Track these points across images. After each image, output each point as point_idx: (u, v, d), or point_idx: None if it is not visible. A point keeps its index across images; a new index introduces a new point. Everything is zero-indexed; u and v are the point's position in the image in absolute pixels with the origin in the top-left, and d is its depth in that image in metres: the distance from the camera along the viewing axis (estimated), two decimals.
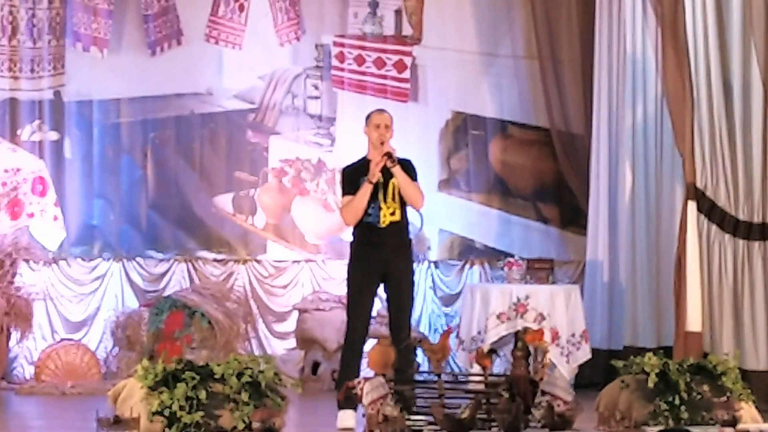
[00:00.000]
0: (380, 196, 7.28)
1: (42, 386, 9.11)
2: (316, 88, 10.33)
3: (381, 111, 7.49)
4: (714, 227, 8.63)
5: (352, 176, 7.37)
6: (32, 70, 9.88)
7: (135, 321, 9.50)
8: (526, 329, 7.00)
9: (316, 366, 9.50)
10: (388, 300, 7.37)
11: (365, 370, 7.30)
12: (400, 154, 7.32)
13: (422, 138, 10.25)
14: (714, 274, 8.60)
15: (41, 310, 9.61)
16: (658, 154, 9.40)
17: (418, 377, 7.29)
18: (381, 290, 7.38)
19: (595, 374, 9.09)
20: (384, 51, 10.36)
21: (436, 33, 10.38)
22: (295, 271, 10.17)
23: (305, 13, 10.30)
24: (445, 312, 10.22)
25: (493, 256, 10.23)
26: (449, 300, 10.24)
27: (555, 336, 8.73)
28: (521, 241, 10.31)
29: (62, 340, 9.62)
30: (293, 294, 10.10)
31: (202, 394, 5.75)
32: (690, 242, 8.43)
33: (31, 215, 9.59)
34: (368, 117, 7.43)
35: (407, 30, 10.40)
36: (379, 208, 7.28)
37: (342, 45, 10.33)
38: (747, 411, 6.74)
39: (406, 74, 10.34)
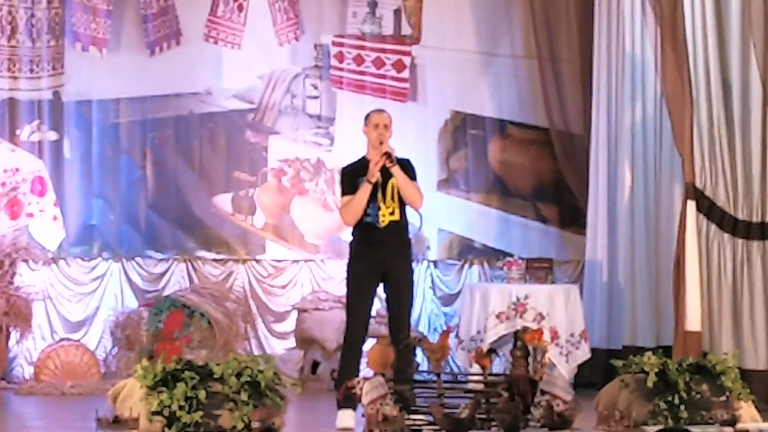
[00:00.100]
0: (379, 196, 7.28)
1: (41, 386, 9.11)
2: (315, 87, 10.33)
3: (380, 111, 7.49)
4: (713, 227, 8.63)
5: (351, 176, 7.37)
6: (31, 70, 9.88)
7: (134, 321, 9.50)
8: (525, 329, 7.02)
9: (315, 366, 9.50)
10: (387, 300, 7.37)
11: (365, 370, 7.30)
12: (399, 153, 7.32)
13: (421, 138, 10.25)
14: (713, 273, 8.60)
15: (41, 310, 9.61)
16: (658, 154, 9.40)
17: (417, 377, 7.29)
18: (380, 290, 7.38)
19: (594, 374, 9.09)
20: (383, 51, 10.36)
21: (435, 33, 10.38)
22: (295, 270, 10.17)
23: (304, 13, 10.31)
24: (445, 312, 10.22)
25: (493, 256, 10.23)
26: (448, 300, 10.24)
27: (554, 335, 8.73)
28: (520, 240, 10.31)
29: (62, 340, 9.62)
30: (292, 294, 10.10)
31: (202, 394, 5.76)
32: (689, 242, 8.43)
33: (31, 215, 9.60)
34: (367, 117, 7.43)
35: (406, 30, 10.40)
36: (379, 208, 7.28)
37: (341, 45, 10.33)
38: (746, 410, 6.74)
39: (405, 74, 10.34)
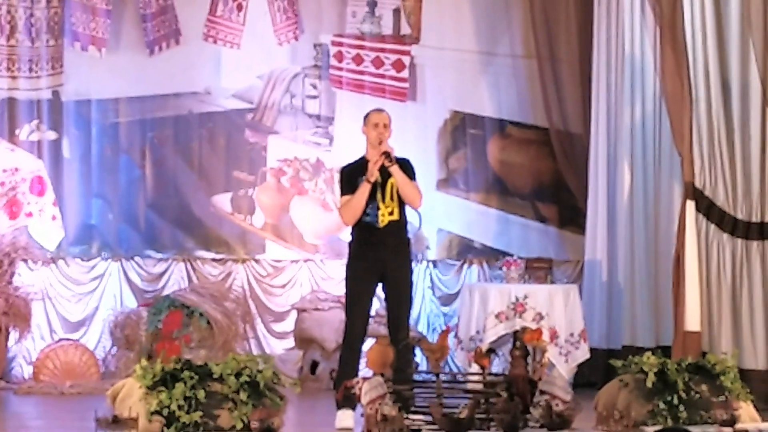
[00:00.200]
0: (378, 195, 7.27)
1: (41, 386, 9.11)
2: (315, 87, 10.33)
3: (379, 110, 7.49)
4: (712, 226, 8.63)
5: (351, 176, 7.36)
6: (30, 70, 9.88)
7: (133, 321, 9.49)
8: (524, 329, 7.02)
9: (314, 365, 9.49)
10: (386, 299, 7.37)
11: (364, 370, 7.30)
12: (398, 153, 7.32)
13: (420, 137, 10.25)
14: (712, 273, 8.60)
15: (40, 309, 9.61)
16: (657, 154, 9.39)
17: (416, 377, 7.28)
18: (380, 290, 7.38)
19: (593, 374, 9.09)
20: (382, 50, 10.36)
21: (434, 32, 10.38)
22: (294, 270, 10.17)
23: (303, 12, 10.31)
24: (444, 311, 10.22)
25: (492, 256, 10.23)
26: (448, 299, 10.24)
27: (553, 335, 8.73)
28: (520, 240, 10.31)
29: (61, 339, 9.62)
30: (292, 293, 10.10)
31: (201, 394, 5.75)
32: (688, 241, 8.43)
33: (30, 215, 9.60)
34: (366, 116, 7.42)
35: (405, 29, 10.40)
36: (378, 208, 7.27)
37: (340, 44, 10.33)
38: (745, 410, 6.73)
39: (405, 74, 10.34)
